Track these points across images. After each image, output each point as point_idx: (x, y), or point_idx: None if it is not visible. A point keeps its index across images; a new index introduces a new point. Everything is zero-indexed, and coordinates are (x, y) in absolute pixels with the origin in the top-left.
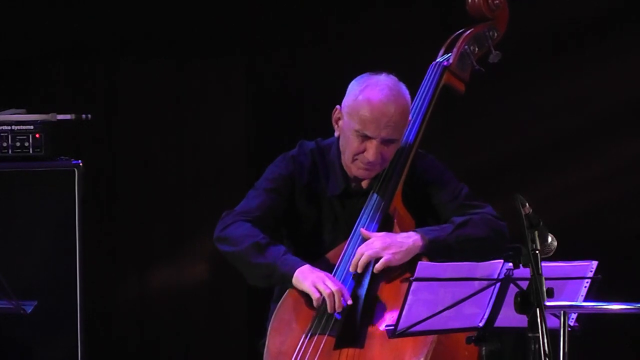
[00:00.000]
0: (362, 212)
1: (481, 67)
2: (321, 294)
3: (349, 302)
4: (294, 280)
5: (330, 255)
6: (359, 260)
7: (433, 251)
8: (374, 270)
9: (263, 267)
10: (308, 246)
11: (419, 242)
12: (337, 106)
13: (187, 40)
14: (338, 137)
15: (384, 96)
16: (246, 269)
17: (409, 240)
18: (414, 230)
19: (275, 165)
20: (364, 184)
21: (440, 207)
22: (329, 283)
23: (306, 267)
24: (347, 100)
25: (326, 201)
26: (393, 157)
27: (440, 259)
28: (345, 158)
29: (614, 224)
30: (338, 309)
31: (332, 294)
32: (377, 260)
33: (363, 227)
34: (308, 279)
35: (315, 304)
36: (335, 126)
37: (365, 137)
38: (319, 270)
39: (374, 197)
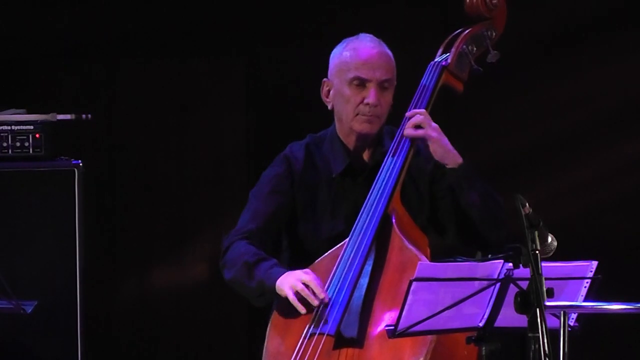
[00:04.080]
0: (364, 205)
1: (479, 67)
2: (297, 294)
3: (323, 296)
4: (278, 291)
5: (329, 255)
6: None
7: (458, 176)
8: (411, 130)
9: (254, 287)
10: (306, 239)
11: (459, 159)
12: (324, 79)
13: (187, 40)
14: (332, 112)
15: (369, 41)
16: (244, 293)
17: (454, 150)
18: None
19: (269, 169)
20: (366, 156)
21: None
22: (304, 278)
23: (285, 274)
24: (333, 63)
25: (323, 189)
26: (392, 152)
27: (455, 186)
28: (346, 119)
29: (614, 224)
30: (320, 296)
31: (304, 289)
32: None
33: (363, 224)
34: (285, 284)
35: (295, 306)
36: (326, 99)
37: (362, 84)
38: (295, 271)
39: (376, 188)
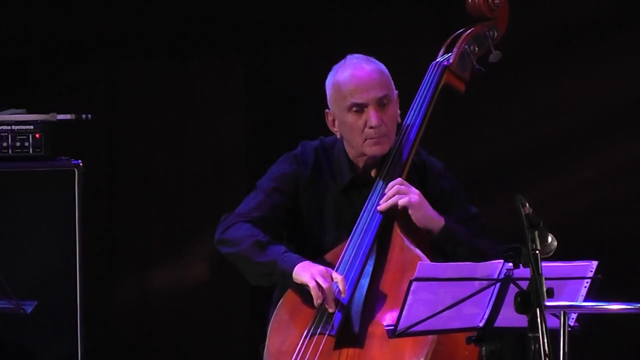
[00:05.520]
0: (365, 206)
1: (481, 67)
2: (319, 286)
3: (335, 308)
4: (294, 275)
5: (330, 255)
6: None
7: (443, 239)
8: (392, 200)
9: (264, 265)
10: (310, 246)
11: (442, 223)
12: (326, 110)
13: (187, 39)
14: (342, 138)
15: (356, 64)
16: (248, 268)
17: (436, 214)
18: (442, 215)
19: (278, 164)
20: (374, 173)
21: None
22: (328, 277)
23: (306, 262)
24: (328, 94)
25: (330, 198)
26: (394, 152)
27: (441, 247)
28: (356, 145)
29: (614, 224)
30: (333, 307)
31: (330, 288)
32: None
33: (364, 225)
34: (307, 271)
35: (314, 295)
36: (334, 129)
37: (360, 109)
38: (319, 265)
39: (377, 188)
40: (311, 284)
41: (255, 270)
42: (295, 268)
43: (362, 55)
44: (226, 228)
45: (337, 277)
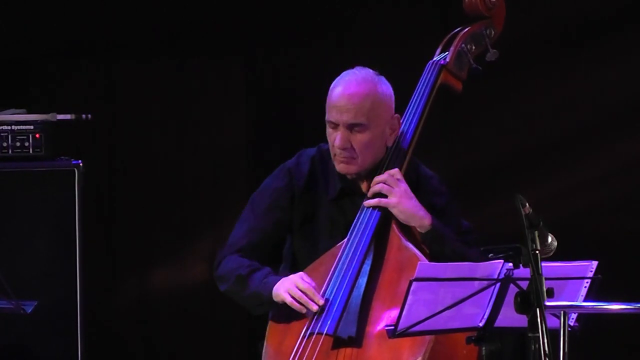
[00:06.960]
0: (362, 206)
1: (478, 66)
2: (295, 299)
3: (320, 302)
4: (275, 298)
5: (328, 255)
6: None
7: (428, 239)
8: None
9: (251, 298)
10: (304, 256)
11: (427, 222)
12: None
13: (187, 39)
14: None
15: (346, 82)
16: (242, 303)
17: (421, 211)
18: (430, 214)
19: (271, 178)
20: (364, 187)
21: None
22: (300, 285)
23: (280, 280)
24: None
25: (323, 207)
26: (389, 155)
27: (427, 246)
28: (331, 157)
29: (614, 224)
30: (319, 302)
31: (302, 296)
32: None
33: (362, 224)
34: (282, 289)
35: (296, 309)
36: None
37: (335, 126)
38: (290, 276)
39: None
40: (288, 300)
41: (248, 303)
42: (273, 290)
43: (363, 74)
44: (218, 264)
45: (306, 278)
